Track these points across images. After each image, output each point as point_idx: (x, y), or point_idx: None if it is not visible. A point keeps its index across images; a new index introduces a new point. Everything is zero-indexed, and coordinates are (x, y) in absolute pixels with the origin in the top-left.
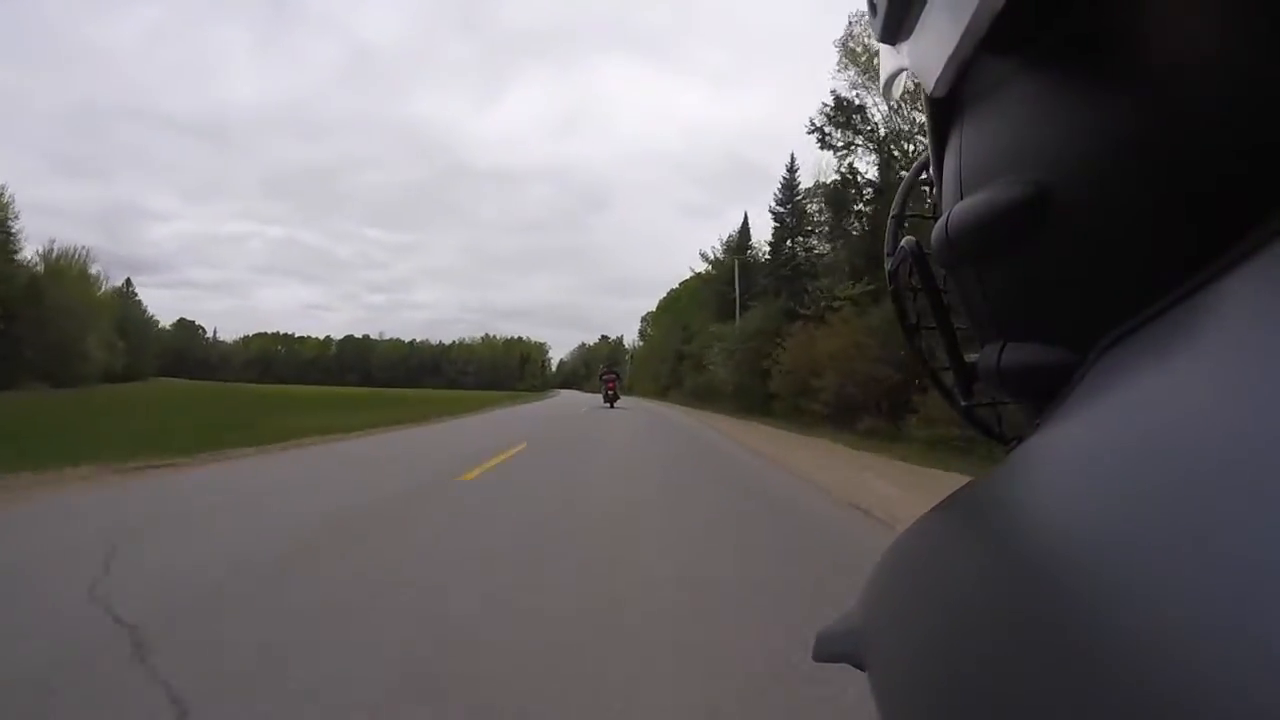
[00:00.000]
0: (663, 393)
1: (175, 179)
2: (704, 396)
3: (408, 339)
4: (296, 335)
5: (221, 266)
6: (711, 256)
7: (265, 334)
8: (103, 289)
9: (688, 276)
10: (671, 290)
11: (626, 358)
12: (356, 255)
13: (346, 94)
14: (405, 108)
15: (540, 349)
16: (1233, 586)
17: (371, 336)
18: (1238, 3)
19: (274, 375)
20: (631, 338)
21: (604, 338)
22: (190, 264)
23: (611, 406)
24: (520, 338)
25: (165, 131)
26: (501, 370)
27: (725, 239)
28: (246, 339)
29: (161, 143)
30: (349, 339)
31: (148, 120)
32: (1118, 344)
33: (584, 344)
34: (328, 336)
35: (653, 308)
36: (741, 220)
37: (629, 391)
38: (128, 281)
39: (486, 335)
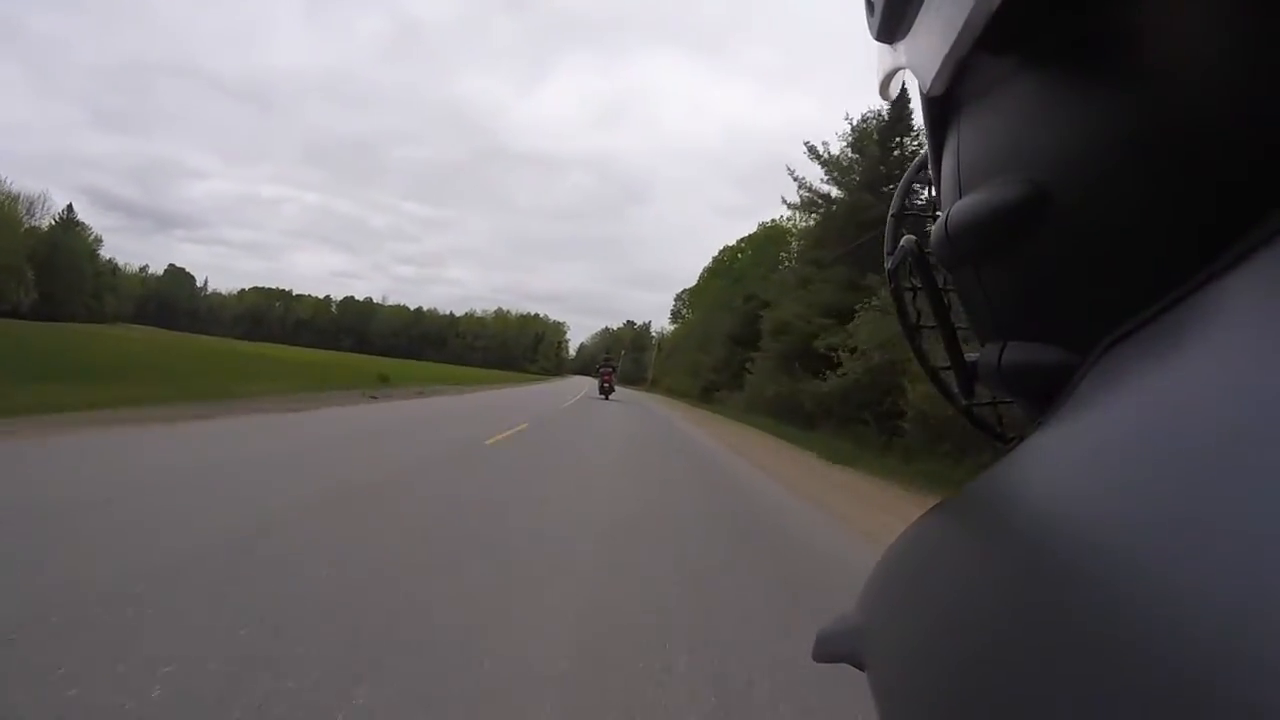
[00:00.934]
0: (705, 395)
1: (216, 139)
2: (785, 412)
3: (414, 305)
4: (295, 292)
5: (255, 227)
6: (825, 155)
7: (261, 288)
8: (35, 218)
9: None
10: (725, 249)
11: (653, 343)
12: (389, 227)
13: (391, 67)
14: (449, 86)
15: (558, 329)
16: (1234, 585)
17: (375, 300)
18: (1237, 2)
19: (262, 333)
20: (662, 324)
21: (629, 323)
22: (224, 223)
23: (606, 398)
24: (537, 315)
25: (209, 91)
26: (513, 348)
27: (854, 124)
28: (242, 292)
29: (204, 102)
30: (349, 300)
31: (192, 79)
32: (1118, 343)
33: (607, 328)
34: (327, 296)
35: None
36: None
37: (652, 386)
38: (69, 210)
39: (500, 309)
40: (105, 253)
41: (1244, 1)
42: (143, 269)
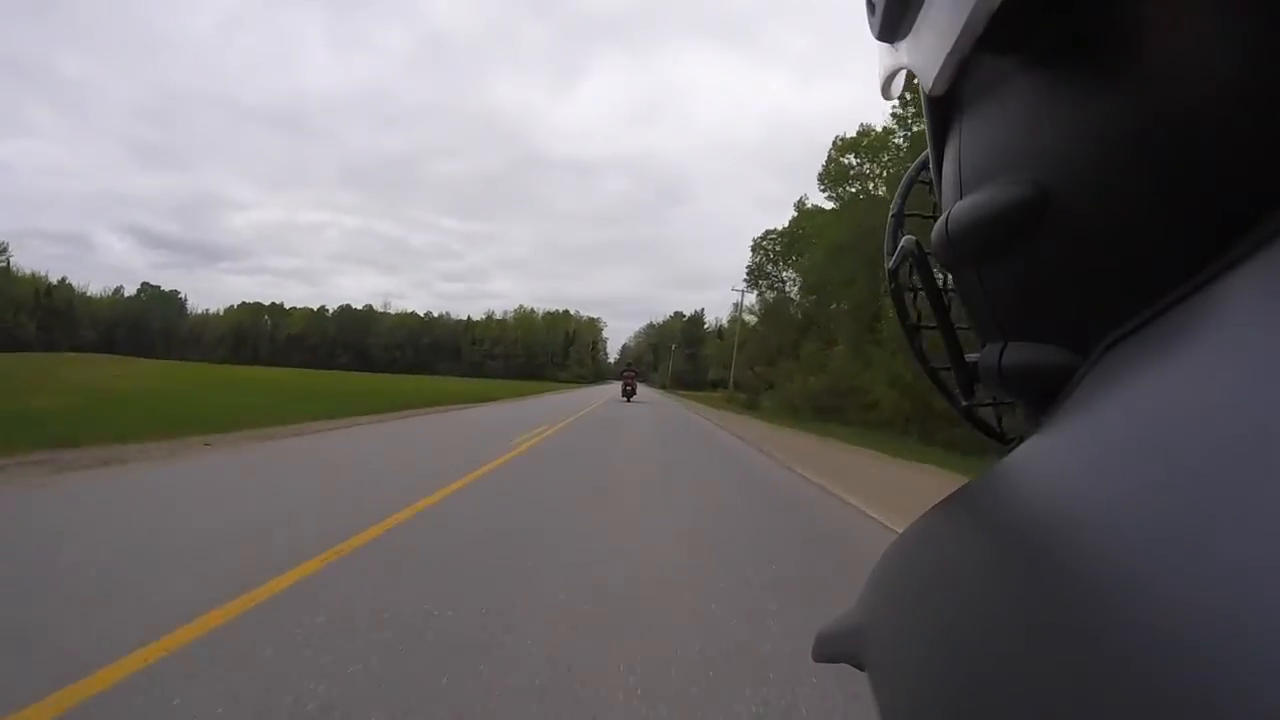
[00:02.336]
0: (821, 415)
1: (253, 168)
2: None
3: (423, 311)
4: (286, 305)
5: (298, 254)
6: None
7: (249, 303)
8: None
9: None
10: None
11: (713, 334)
12: (431, 245)
13: (420, 82)
14: (480, 96)
15: (592, 327)
16: (1235, 584)
17: (376, 307)
18: (1237, 2)
19: (246, 354)
20: (720, 315)
21: (677, 314)
22: (268, 252)
23: (629, 400)
24: (566, 311)
25: (243, 121)
26: (539, 353)
27: None
28: (230, 309)
29: (239, 132)
30: (346, 310)
31: (226, 109)
32: (1119, 344)
33: (652, 323)
34: (321, 307)
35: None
36: None
37: (733, 394)
38: None
39: (522, 307)
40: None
41: (1244, 1)
42: (116, 291)
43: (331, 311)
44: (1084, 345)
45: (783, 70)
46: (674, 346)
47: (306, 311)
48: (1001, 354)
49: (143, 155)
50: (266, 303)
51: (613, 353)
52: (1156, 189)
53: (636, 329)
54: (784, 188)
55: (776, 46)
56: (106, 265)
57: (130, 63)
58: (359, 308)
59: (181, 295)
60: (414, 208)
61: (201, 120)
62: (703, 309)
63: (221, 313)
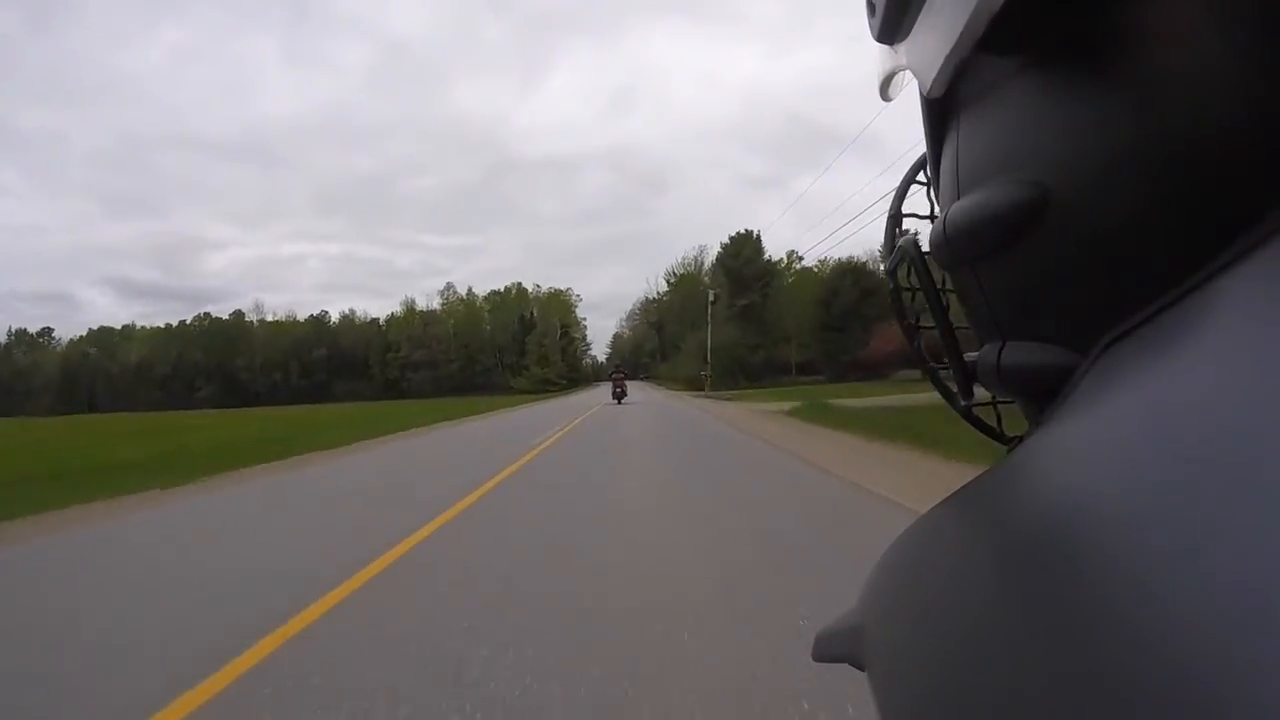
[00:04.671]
0: None
1: (226, 205)
2: None
3: (318, 313)
4: (137, 326)
5: (286, 289)
6: None
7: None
8: None
9: None
10: None
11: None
12: (417, 264)
13: (384, 98)
14: (447, 105)
15: (560, 304)
16: (1234, 584)
17: (247, 315)
18: (1238, 2)
19: (81, 398)
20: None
21: (671, 276)
22: (254, 289)
23: (619, 402)
24: (519, 286)
25: (209, 157)
26: (484, 354)
27: None
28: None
29: (207, 169)
30: (207, 323)
31: (190, 147)
32: (1118, 343)
33: (649, 298)
34: (177, 323)
35: None
36: None
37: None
38: None
39: (452, 288)
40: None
41: (1244, 2)
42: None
43: (190, 323)
44: (1083, 344)
45: (753, 41)
46: (712, 300)
47: (152, 332)
48: (1000, 353)
49: (113, 205)
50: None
51: (603, 352)
52: (1155, 188)
53: (633, 307)
54: (765, 164)
55: (743, 17)
56: (93, 321)
57: (86, 110)
58: (227, 317)
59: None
60: (394, 228)
61: (166, 161)
62: (758, 232)
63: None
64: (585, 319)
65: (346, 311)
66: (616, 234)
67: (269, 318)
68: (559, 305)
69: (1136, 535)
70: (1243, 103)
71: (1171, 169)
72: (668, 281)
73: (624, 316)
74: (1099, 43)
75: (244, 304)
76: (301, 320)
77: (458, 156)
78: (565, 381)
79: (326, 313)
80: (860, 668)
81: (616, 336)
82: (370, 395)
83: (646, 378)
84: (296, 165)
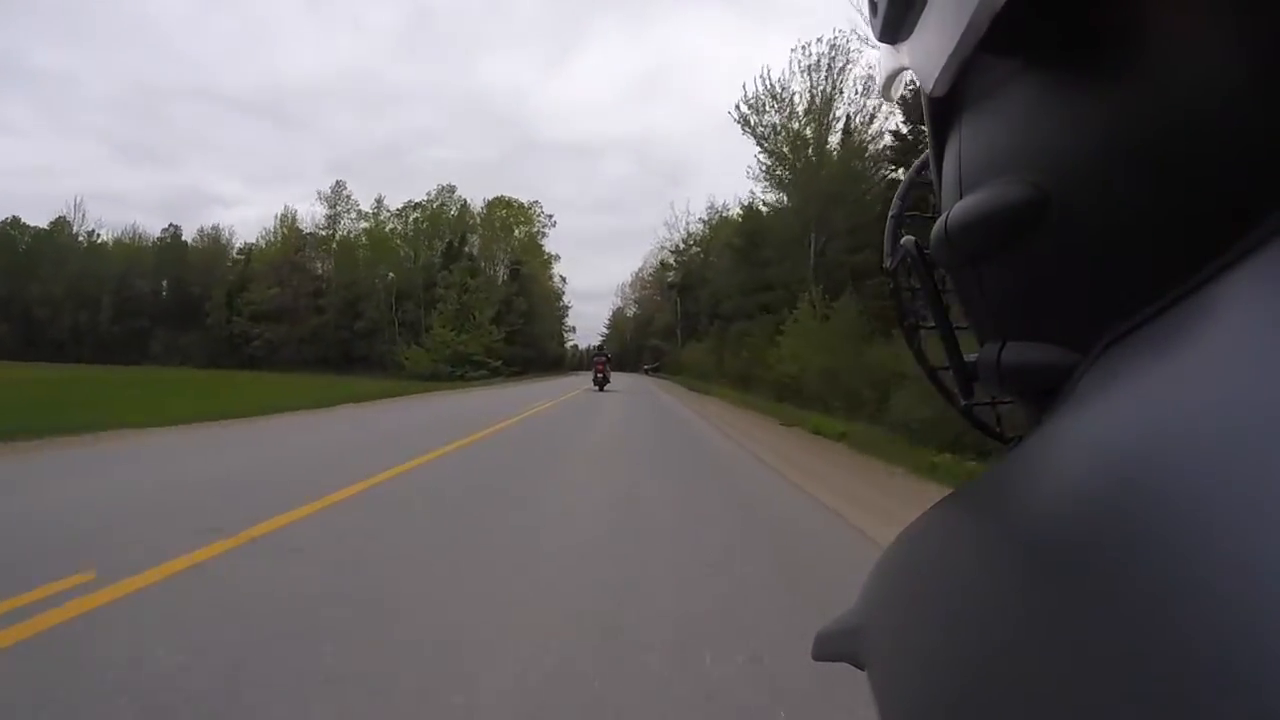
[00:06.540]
0: None
1: (239, 162)
2: None
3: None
4: None
5: None
6: None
7: None
8: None
9: None
10: None
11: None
12: None
13: (407, 63)
14: (470, 78)
15: (525, 215)
16: (1236, 583)
17: (25, 221)
18: (1237, 2)
19: None
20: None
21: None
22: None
23: (601, 389)
24: (451, 188)
25: (226, 111)
26: (372, 304)
27: None
28: None
29: (222, 123)
30: None
31: (206, 100)
32: (1118, 342)
33: (664, 252)
34: None
35: None
36: None
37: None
38: None
39: (339, 186)
40: None
41: (1244, 1)
42: None
43: None
44: (1083, 344)
45: (781, 28)
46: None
47: None
48: (1000, 353)
49: (125, 152)
50: None
51: (594, 339)
52: (1156, 188)
53: (632, 278)
54: None
55: (773, 3)
56: None
57: (104, 55)
58: (45, 226)
59: None
60: (408, 199)
61: (181, 112)
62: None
63: None
64: (565, 278)
65: (208, 229)
66: (631, 226)
67: (101, 235)
68: (522, 217)
69: (1137, 535)
70: (1243, 103)
71: (1172, 169)
72: (705, 222)
73: (625, 285)
74: (1101, 43)
75: (65, 209)
76: (149, 244)
77: (478, 132)
78: (502, 362)
79: (178, 229)
80: (860, 668)
81: (616, 311)
82: (200, 359)
83: (657, 370)
84: (311, 126)
